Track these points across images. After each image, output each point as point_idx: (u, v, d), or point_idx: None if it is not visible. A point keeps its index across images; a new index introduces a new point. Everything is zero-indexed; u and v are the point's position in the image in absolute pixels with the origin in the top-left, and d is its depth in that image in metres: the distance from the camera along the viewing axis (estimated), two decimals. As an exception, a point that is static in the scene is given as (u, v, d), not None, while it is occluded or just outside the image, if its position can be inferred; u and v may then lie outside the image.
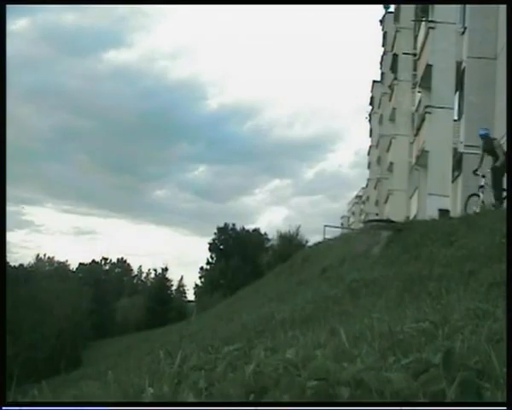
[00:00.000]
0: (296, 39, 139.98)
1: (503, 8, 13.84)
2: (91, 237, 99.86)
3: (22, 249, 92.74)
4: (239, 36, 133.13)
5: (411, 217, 26.13)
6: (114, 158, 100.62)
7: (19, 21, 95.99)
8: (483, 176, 12.64)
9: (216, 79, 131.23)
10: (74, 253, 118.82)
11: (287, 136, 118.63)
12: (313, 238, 64.75)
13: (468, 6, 19.19)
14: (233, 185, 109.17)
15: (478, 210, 12.16)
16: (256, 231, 60.13)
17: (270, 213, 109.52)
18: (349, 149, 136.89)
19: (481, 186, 12.62)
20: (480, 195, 12.63)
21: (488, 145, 12.71)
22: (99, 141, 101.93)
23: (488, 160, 12.74)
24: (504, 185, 12.19)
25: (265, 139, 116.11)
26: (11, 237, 74.93)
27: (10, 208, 76.56)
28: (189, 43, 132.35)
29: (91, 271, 60.43)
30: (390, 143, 38.37)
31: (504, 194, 12.04)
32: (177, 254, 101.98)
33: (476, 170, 12.86)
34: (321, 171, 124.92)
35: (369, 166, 55.55)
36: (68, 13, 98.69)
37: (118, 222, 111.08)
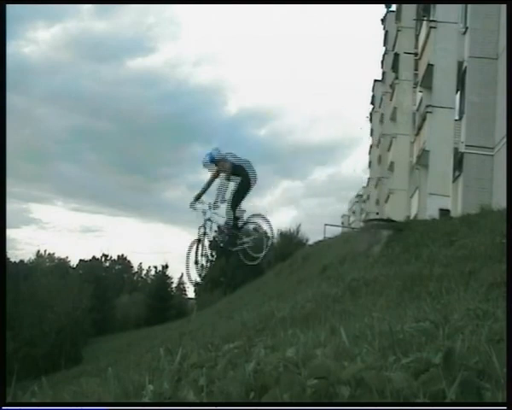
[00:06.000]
0: (310, 43, 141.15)
1: (504, 7, 13.80)
2: (97, 234, 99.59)
3: (27, 246, 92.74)
4: (260, 41, 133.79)
5: (412, 216, 26.12)
6: (127, 159, 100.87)
7: (51, 29, 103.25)
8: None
9: (234, 84, 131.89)
10: (80, 250, 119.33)
11: (301, 139, 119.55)
12: (316, 238, 64.59)
13: (469, 6, 19.14)
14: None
15: None
16: (257, 229, 59.94)
17: (278, 214, 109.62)
18: (365, 154, 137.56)
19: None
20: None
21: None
22: (114, 142, 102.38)
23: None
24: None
25: (280, 143, 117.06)
26: (17, 233, 74.88)
27: (21, 206, 76.84)
28: (212, 49, 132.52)
29: (92, 267, 60.34)
30: (391, 142, 38.33)
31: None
32: (181, 252, 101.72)
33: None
34: (335, 174, 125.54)
35: (369, 166, 55.49)
36: (99, 21, 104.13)
37: (125, 220, 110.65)
